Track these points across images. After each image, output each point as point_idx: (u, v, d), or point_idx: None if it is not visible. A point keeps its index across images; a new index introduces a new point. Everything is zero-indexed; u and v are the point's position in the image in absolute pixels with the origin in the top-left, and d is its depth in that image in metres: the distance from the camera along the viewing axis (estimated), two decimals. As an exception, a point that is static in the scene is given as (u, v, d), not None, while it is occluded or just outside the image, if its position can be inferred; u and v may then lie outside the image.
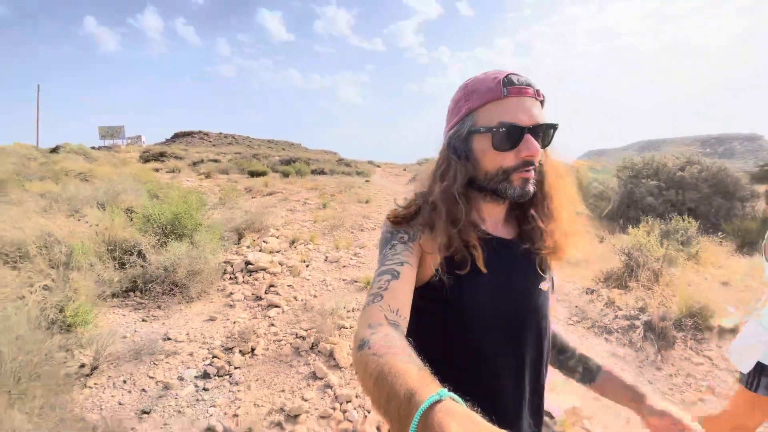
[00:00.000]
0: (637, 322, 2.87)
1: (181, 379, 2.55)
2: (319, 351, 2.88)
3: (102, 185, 7.73)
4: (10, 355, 2.10)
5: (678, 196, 5.71)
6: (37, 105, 43.83)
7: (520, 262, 0.74)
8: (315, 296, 3.92)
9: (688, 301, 2.84)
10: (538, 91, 0.69)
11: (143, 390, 2.42)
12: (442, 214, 0.69)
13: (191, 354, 2.85)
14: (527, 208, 0.77)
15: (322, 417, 2.26)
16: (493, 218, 0.77)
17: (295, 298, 3.87)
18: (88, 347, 2.69)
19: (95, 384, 2.43)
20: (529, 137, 0.66)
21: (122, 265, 3.92)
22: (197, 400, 2.38)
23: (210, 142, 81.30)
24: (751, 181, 5.80)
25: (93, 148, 31.25)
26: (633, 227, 4.25)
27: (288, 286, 4.13)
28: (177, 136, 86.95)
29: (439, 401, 0.37)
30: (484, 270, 0.69)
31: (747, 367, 1.32)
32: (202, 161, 21.08)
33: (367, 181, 16.94)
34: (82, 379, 2.44)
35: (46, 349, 2.32)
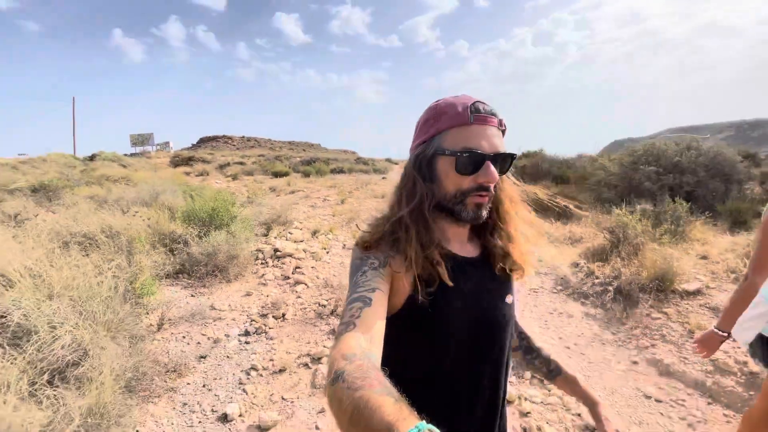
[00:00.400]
0: (610, 288, 3.30)
1: (227, 336, 3.18)
2: (337, 314, 3.45)
3: (144, 188, 8.60)
4: (100, 311, 2.78)
5: (675, 181, 5.98)
6: (73, 116, 46.45)
7: (485, 278, 0.78)
8: (334, 276, 4.50)
9: (654, 269, 3.25)
10: (501, 120, 0.73)
11: (198, 343, 3.06)
12: (411, 233, 0.71)
13: (233, 319, 3.48)
14: (488, 229, 0.82)
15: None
16: (457, 238, 0.80)
17: (317, 277, 4.47)
18: (153, 312, 3.36)
19: (161, 338, 3.08)
20: (488, 164, 0.70)
21: (171, 252, 4.62)
22: (241, 350, 3.00)
23: (234, 145, 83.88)
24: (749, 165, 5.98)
25: (125, 155, 33.16)
26: (622, 209, 4.64)
27: (311, 267, 4.73)
28: (202, 141, 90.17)
29: None
30: (449, 284, 0.71)
31: (745, 338, 1.31)
32: (228, 164, 22.15)
33: (383, 177, 17.50)
34: (151, 335, 3.10)
35: (124, 311, 2.99)
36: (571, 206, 0.91)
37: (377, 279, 0.68)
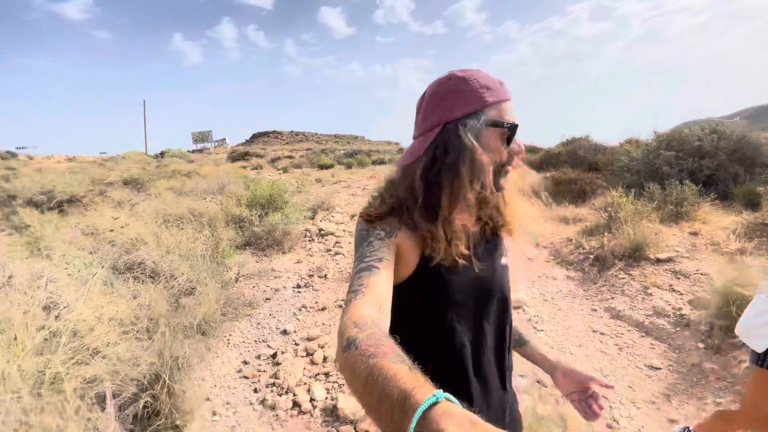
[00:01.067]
0: (591, 256, 3.94)
1: (284, 287, 4.26)
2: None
3: (212, 180, 10.13)
4: (200, 263, 3.95)
5: (695, 165, 6.22)
6: (144, 117, 51.43)
7: (486, 243, 0.82)
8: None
9: (629, 241, 3.85)
10: None
11: (264, 291, 4.16)
12: (434, 218, 0.72)
13: (288, 277, 4.57)
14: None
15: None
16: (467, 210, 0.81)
17: (352, 250, 5.48)
18: (231, 270, 4.53)
19: (238, 286, 4.23)
20: (516, 137, 0.75)
21: (240, 228, 5.84)
22: (294, 296, 4.05)
23: (283, 140, 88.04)
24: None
25: (188, 151, 36.65)
26: (630, 193, 5.14)
27: (348, 243, 5.74)
28: (255, 137, 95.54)
29: (436, 403, 0.37)
30: (466, 252, 0.75)
31: (762, 345, 1.22)
32: (279, 158, 23.99)
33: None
34: (232, 284, 4.26)
35: (212, 267, 4.16)
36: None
37: (384, 249, 0.69)
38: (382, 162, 21.51)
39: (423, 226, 0.73)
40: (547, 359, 0.95)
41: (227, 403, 2.36)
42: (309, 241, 5.98)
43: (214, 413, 2.28)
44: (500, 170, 0.75)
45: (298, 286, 4.29)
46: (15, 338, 1.78)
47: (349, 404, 2.27)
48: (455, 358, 0.77)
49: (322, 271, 4.65)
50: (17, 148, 44.33)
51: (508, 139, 0.74)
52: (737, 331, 1.30)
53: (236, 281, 4.32)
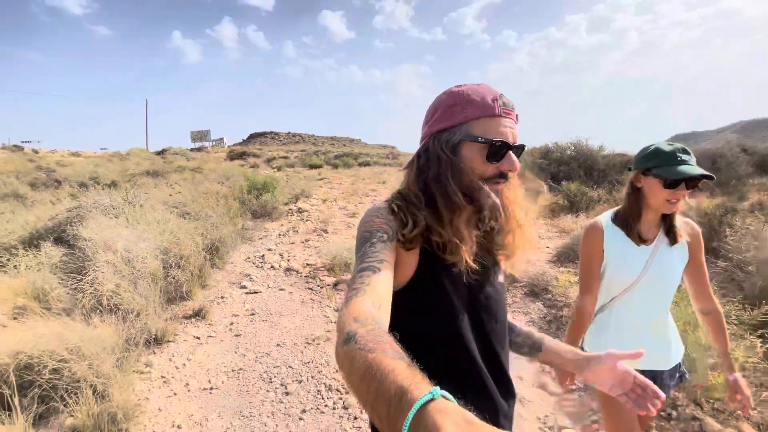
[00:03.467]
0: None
1: (271, 235, 7.17)
2: (322, 230, 7.33)
3: (218, 174, 13.06)
4: (220, 224, 6.86)
5: (555, 170, 9.21)
6: (146, 116, 54.41)
7: (484, 258, 0.84)
8: (327, 218, 8.39)
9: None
10: (517, 115, 0.81)
11: (258, 236, 7.07)
12: (442, 215, 0.77)
13: (274, 230, 7.47)
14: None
15: (317, 243, 6.72)
16: (468, 219, 0.83)
17: (318, 219, 8.40)
18: (238, 223, 7.43)
19: (244, 230, 7.14)
20: (511, 154, 0.78)
21: (242, 204, 8.76)
22: (278, 240, 6.95)
23: (280, 141, 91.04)
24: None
25: (188, 149, 39.53)
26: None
27: (316, 215, 8.67)
28: (252, 137, 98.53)
29: (432, 400, 0.37)
30: (470, 262, 0.77)
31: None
32: (274, 158, 26.92)
33: (400, 170, 21.23)
34: (242, 230, 7.16)
35: (228, 225, 7.08)
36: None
37: (385, 251, 0.72)
38: (367, 164, 24.52)
39: (431, 222, 0.76)
40: (578, 354, 0.89)
41: (251, 267, 5.27)
42: (290, 215, 8.91)
43: (240, 274, 5.19)
44: (483, 186, 0.78)
45: (280, 235, 7.21)
46: (157, 224, 4.70)
47: (292, 264, 5.21)
48: (451, 366, 0.78)
49: (296, 228, 7.58)
50: (23, 141, 47.00)
51: (489, 156, 0.77)
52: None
53: (242, 229, 7.26)
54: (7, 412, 1.89)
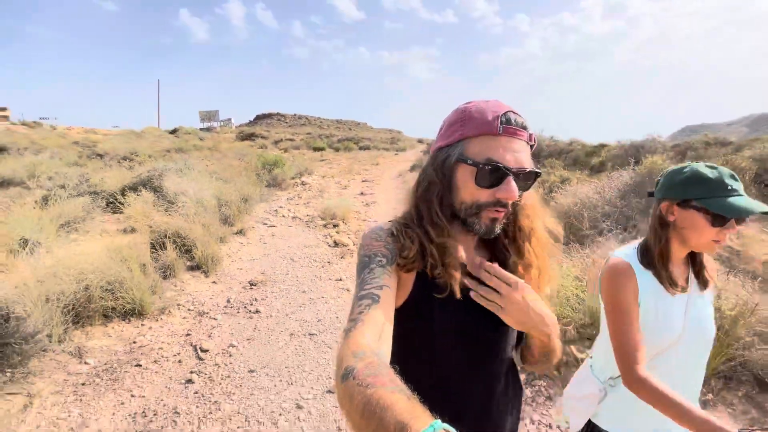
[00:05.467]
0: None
1: (281, 198, 9.65)
2: (321, 196, 9.80)
3: (234, 152, 15.55)
4: (241, 189, 9.33)
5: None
6: (158, 96, 56.80)
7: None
8: (324, 187, 10.83)
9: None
10: (531, 135, 0.74)
11: (272, 198, 9.56)
12: (430, 237, 0.75)
13: (283, 197, 9.94)
14: (500, 241, 0.83)
15: (365, 180, 9.18)
16: (465, 244, 0.82)
17: (317, 189, 10.86)
18: (257, 190, 9.91)
19: (261, 193, 9.63)
20: (510, 180, 0.71)
21: (258, 176, 11.23)
22: (287, 202, 9.43)
23: (286, 123, 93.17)
24: None
25: (199, 129, 41.93)
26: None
27: (316, 186, 11.13)
28: (258, 118, 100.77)
29: None
30: (458, 296, 0.73)
31: (576, 425, 1.19)
32: (281, 140, 29.30)
33: (396, 154, 23.57)
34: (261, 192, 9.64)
35: (248, 191, 9.55)
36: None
37: (384, 276, 0.70)
38: (367, 148, 26.88)
39: (418, 238, 0.75)
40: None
41: (269, 218, 7.75)
42: (296, 186, 11.39)
43: (263, 222, 7.68)
44: (475, 213, 0.74)
45: (287, 199, 9.68)
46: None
47: (297, 215, 7.71)
48: (443, 391, 0.77)
49: (300, 196, 10.05)
50: (41, 118, 49.71)
51: (477, 179, 0.71)
52: (564, 407, 1.24)
53: (261, 192, 9.75)
54: (164, 250, 4.37)
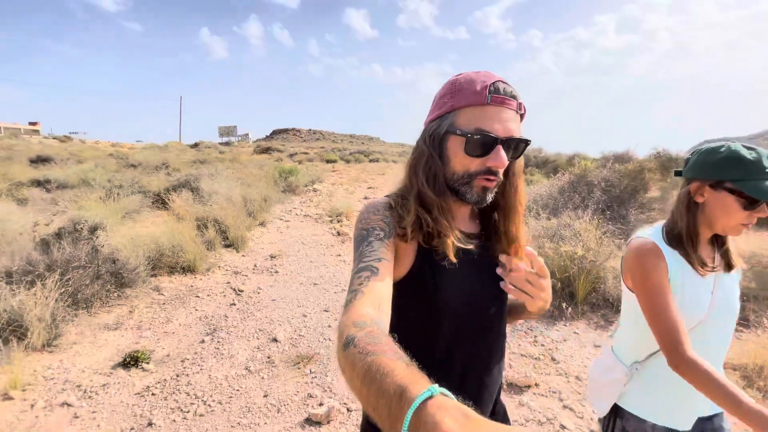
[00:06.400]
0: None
1: (294, 202, 11.10)
2: (330, 200, 11.23)
3: (254, 164, 17.19)
4: (262, 191, 10.82)
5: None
6: (180, 111, 59.82)
7: (483, 255, 0.84)
8: (332, 195, 12.24)
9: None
10: (520, 104, 0.76)
11: (287, 203, 11.01)
12: (425, 206, 0.78)
13: (298, 202, 11.38)
14: (491, 209, 0.86)
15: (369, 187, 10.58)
16: (460, 215, 0.86)
17: (327, 195, 12.29)
18: (276, 193, 11.39)
19: (280, 195, 11.10)
20: (499, 149, 0.73)
21: (275, 183, 12.75)
22: (299, 203, 10.87)
23: (301, 137, 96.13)
24: None
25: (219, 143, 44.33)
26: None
27: (326, 192, 12.56)
28: (275, 133, 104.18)
29: (430, 397, 0.38)
30: (453, 260, 0.76)
31: (603, 409, 1.20)
32: (296, 153, 31.10)
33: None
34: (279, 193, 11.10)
35: (268, 192, 11.04)
36: None
37: (383, 249, 0.72)
38: (376, 161, 28.43)
39: (420, 213, 0.77)
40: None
41: (285, 215, 9.17)
42: (308, 192, 12.85)
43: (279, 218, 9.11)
44: (467, 182, 0.77)
45: (300, 202, 11.11)
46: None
47: (308, 214, 9.12)
48: (440, 363, 0.80)
49: (311, 199, 11.49)
50: (71, 132, 53.08)
51: (467, 149, 0.74)
52: (589, 395, 1.27)
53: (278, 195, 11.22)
54: (206, 230, 5.78)
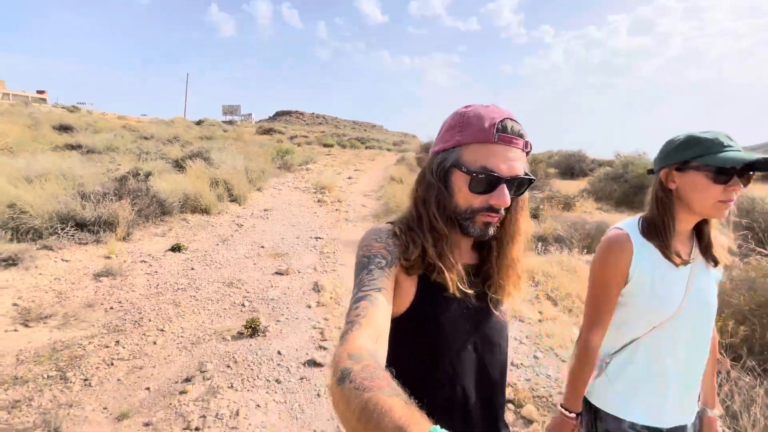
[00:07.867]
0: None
1: (288, 179, 13.15)
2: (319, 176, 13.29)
3: (255, 143, 19.21)
4: (260, 165, 12.87)
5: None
6: (186, 88, 61.52)
7: (481, 289, 0.85)
8: (320, 174, 14.27)
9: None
10: (527, 143, 0.78)
11: (282, 179, 13.07)
12: (427, 237, 0.79)
13: (291, 178, 13.42)
14: (490, 242, 0.87)
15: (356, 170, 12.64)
16: (463, 245, 0.87)
17: (317, 173, 14.34)
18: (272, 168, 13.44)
19: (278, 171, 13.15)
20: (503, 188, 0.75)
21: (273, 161, 14.79)
22: (293, 179, 12.92)
23: (304, 121, 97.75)
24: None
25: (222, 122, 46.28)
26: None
27: (317, 172, 14.61)
28: (278, 114, 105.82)
29: None
30: (457, 294, 0.78)
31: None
32: (296, 136, 33.07)
33: (396, 154, 26.97)
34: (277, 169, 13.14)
35: (265, 166, 13.09)
36: None
37: (383, 279, 0.72)
38: (372, 148, 30.40)
39: (420, 240, 0.79)
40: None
41: (278, 186, 11.24)
42: (301, 170, 14.90)
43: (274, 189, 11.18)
44: (470, 217, 0.78)
45: (293, 178, 13.16)
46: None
47: (298, 186, 11.22)
48: (442, 396, 0.80)
49: (303, 177, 13.54)
50: (78, 103, 54.78)
51: (471, 186, 0.75)
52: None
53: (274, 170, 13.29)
54: (216, 187, 7.84)
